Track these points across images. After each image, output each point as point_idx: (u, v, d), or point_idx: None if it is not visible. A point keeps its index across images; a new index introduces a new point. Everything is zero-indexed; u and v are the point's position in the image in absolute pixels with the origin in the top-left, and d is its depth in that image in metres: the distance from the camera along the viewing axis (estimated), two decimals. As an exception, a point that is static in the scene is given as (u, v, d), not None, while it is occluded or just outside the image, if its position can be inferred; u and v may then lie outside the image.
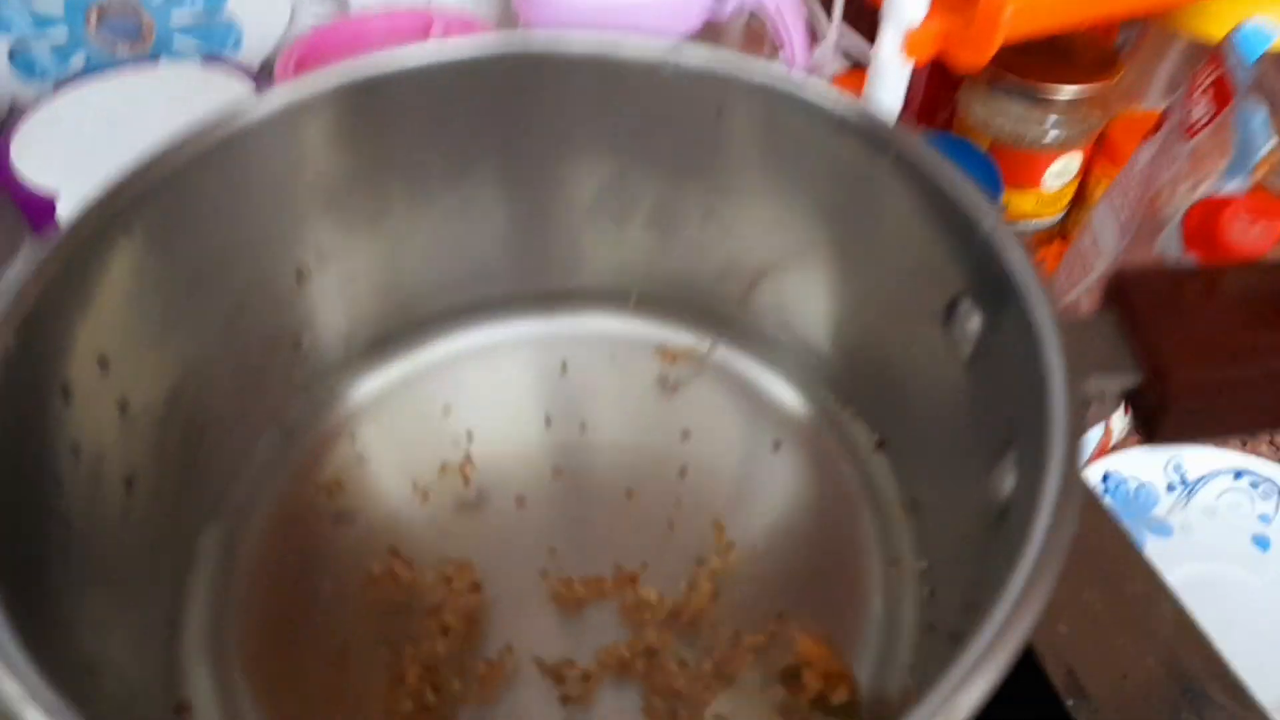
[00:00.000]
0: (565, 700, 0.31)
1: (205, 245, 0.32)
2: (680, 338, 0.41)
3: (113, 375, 0.29)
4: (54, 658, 0.21)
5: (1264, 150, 0.46)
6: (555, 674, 0.31)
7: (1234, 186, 0.46)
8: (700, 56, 0.33)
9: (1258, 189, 0.46)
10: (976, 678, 0.20)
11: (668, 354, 0.40)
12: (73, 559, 0.26)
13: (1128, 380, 0.25)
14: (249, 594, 0.34)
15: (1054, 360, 0.24)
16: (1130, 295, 0.26)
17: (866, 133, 0.31)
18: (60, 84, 0.60)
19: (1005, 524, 0.26)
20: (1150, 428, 0.26)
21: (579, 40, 0.34)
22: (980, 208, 0.28)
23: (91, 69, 0.60)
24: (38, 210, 0.51)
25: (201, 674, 0.32)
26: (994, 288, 0.27)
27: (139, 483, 0.31)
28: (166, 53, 0.61)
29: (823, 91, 0.31)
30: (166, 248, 0.31)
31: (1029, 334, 0.25)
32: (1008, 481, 0.26)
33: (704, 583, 0.33)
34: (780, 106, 0.32)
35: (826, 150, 0.32)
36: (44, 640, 0.21)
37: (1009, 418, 0.27)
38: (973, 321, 0.29)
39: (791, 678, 0.32)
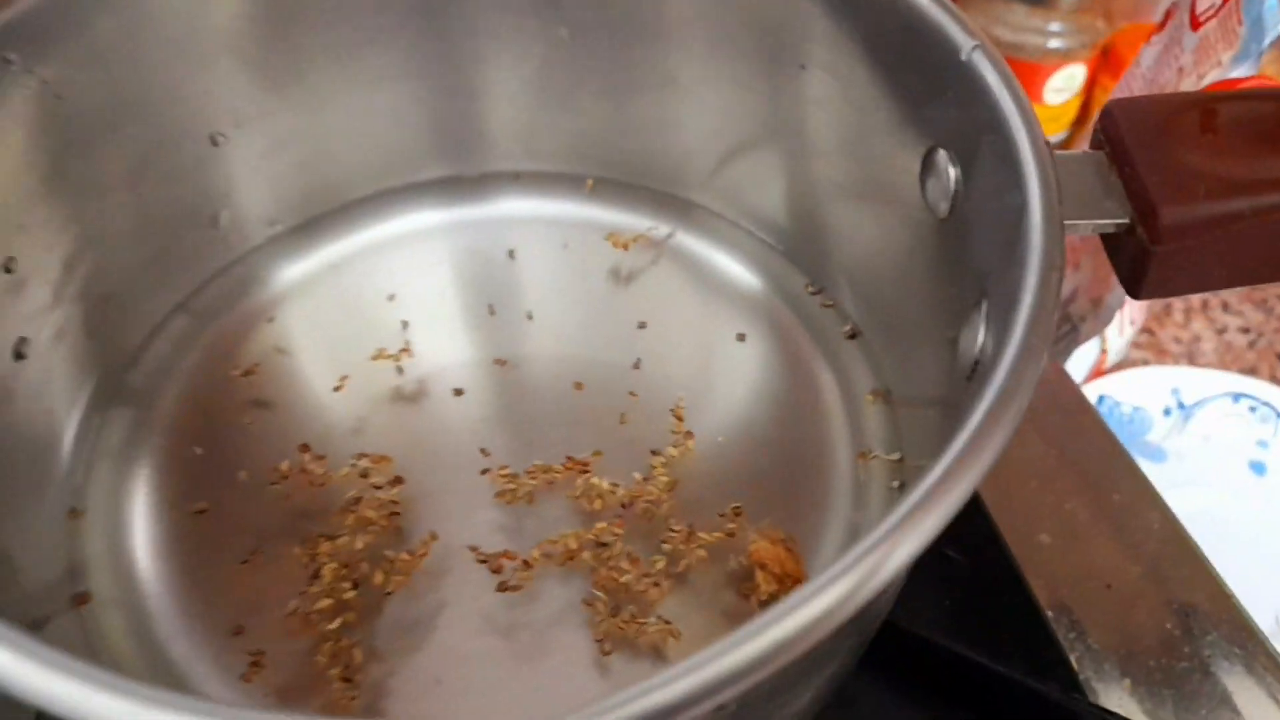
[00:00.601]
0: (502, 588, 0.28)
1: (101, 92, 0.29)
2: (638, 223, 0.37)
3: (-2, 230, 0.26)
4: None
5: (1275, 33, 0.43)
6: (492, 563, 0.28)
7: (1241, 71, 0.43)
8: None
9: (1263, 75, 0.43)
10: (908, 529, 0.17)
11: (620, 240, 0.36)
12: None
13: (1113, 220, 0.22)
14: (157, 483, 0.31)
15: (1034, 187, 0.21)
16: (1119, 128, 0.23)
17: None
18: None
19: (972, 382, 0.23)
20: (1136, 277, 0.23)
21: None
22: (958, 30, 0.24)
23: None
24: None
25: (104, 567, 0.29)
26: (973, 124, 0.24)
27: (31, 353, 0.28)
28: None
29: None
30: (55, 90, 0.27)
31: (1009, 166, 0.22)
32: (977, 339, 0.23)
33: (660, 473, 0.30)
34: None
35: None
36: None
37: (984, 272, 0.24)
38: (950, 174, 0.26)
39: (745, 580, 0.29)
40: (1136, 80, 0.53)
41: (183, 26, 0.30)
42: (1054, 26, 0.64)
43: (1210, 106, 0.23)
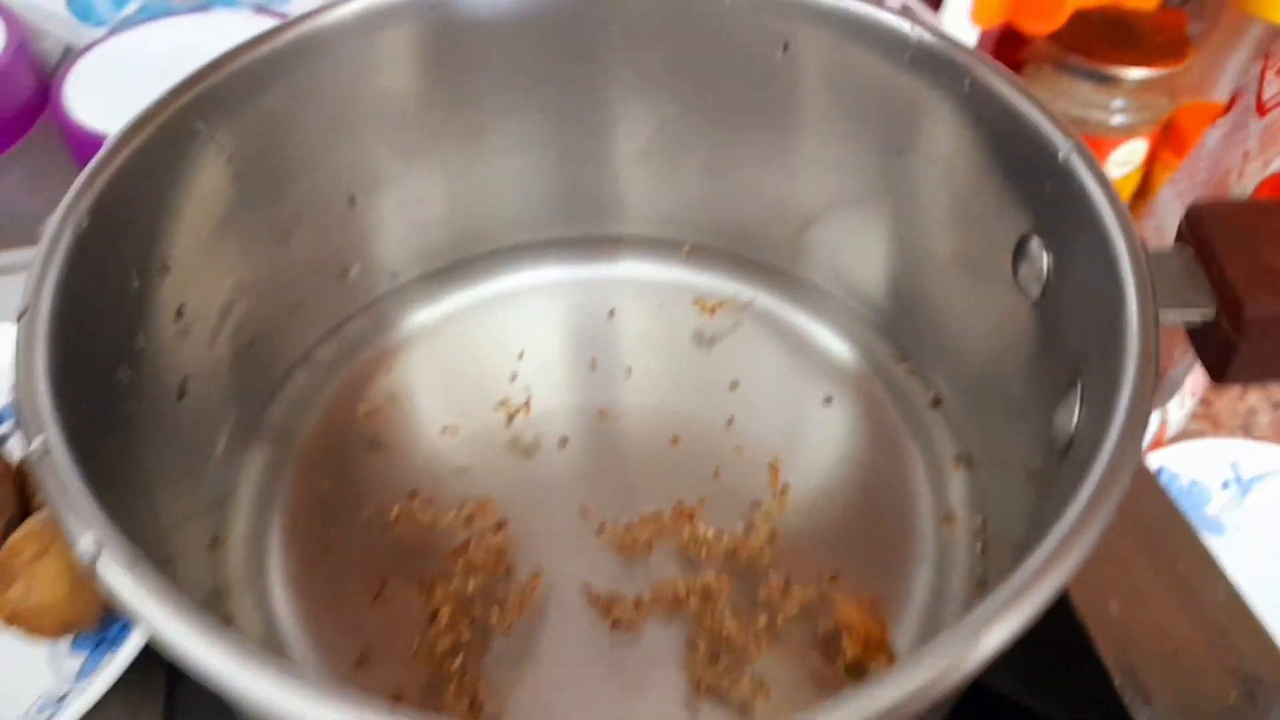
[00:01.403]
0: (615, 625, 0.30)
1: (265, 153, 0.32)
2: (730, 288, 0.40)
3: (174, 278, 0.29)
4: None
5: (1343, 125, 0.44)
6: (604, 602, 0.31)
7: (1310, 161, 0.45)
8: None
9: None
10: (1006, 615, 0.19)
11: (707, 305, 0.39)
12: (132, 464, 0.26)
13: (1200, 313, 0.24)
14: (290, 517, 0.33)
15: (1131, 285, 0.23)
16: (1205, 228, 0.25)
17: (942, 59, 0.30)
18: (115, 28, 0.60)
19: (1065, 464, 0.25)
20: (1220, 365, 0.24)
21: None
22: (1057, 133, 0.26)
23: (146, 15, 0.61)
24: (85, 147, 0.52)
25: (243, 592, 0.31)
26: (1068, 219, 0.26)
27: (190, 392, 0.31)
28: (221, 1, 0.61)
29: (896, 18, 0.30)
30: (229, 150, 0.30)
31: (1105, 262, 0.24)
32: (1074, 416, 0.25)
33: (761, 524, 0.32)
34: (851, 35, 0.31)
35: (896, 82, 0.31)
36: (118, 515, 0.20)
37: (1077, 353, 0.26)
38: (1043, 260, 0.28)
39: (831, 642, 0.30)
40: (1201, 161, 0.55)
41: (340, 98, 0.33)
42: (1117, 103, 0.65)
43: (1291, 211, 0.25)
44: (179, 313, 0.29)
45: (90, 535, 0.19)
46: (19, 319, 0.23)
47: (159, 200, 0.28)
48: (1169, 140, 0.69)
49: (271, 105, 0.31)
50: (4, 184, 0.54)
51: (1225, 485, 0.57)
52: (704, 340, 0.39)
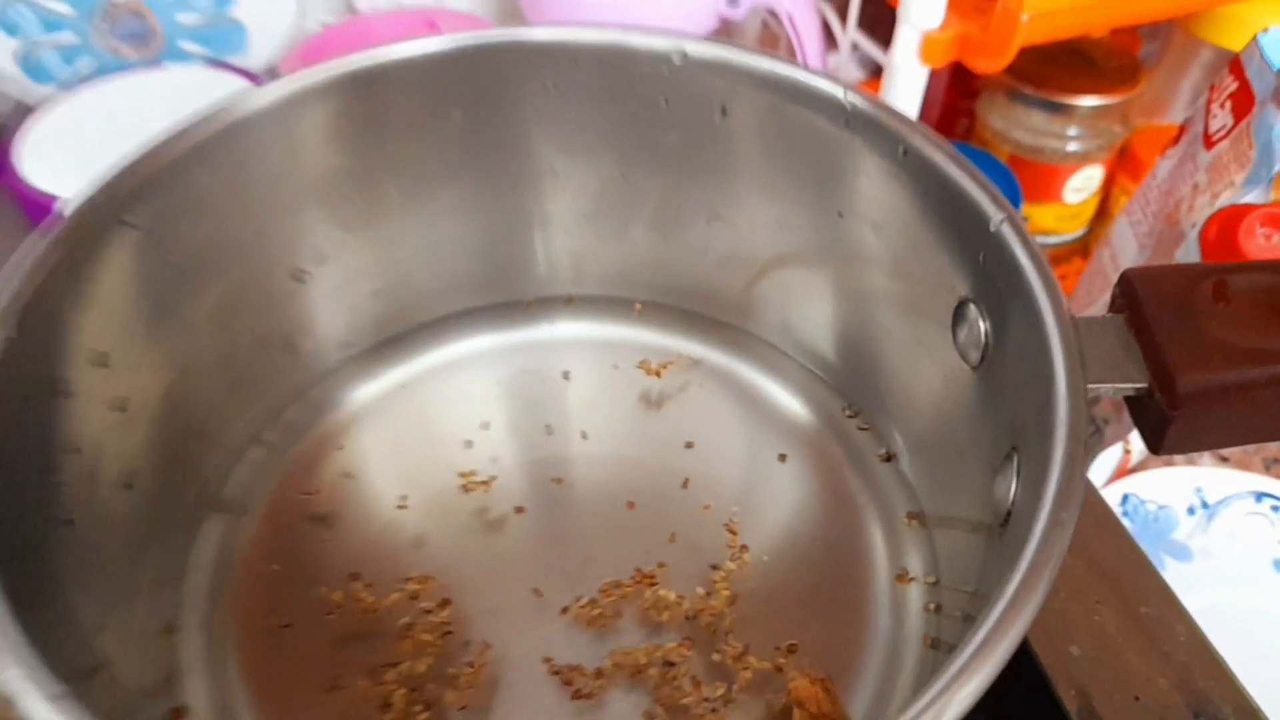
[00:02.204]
0: (576, 696, 0.30)
1: (200, 240, 0.32)
2: (682, 346, 0.40)
3: (111, 373, 0.28)
4: (55, 654, 0.20)
5: (1287, 159, 0.45)
6: (565, 675, 0.30)
7: (1253, 197, 0.45)
8: (708, 48, 0.32)
9: (1277, 200, 0.45)
10: (961, 687, 0.19)
11: (652, 368, 0.39)
12: (72, 558, 0.26)
13: (1133, 385, 0.24)
14: (243, 601, 0.33)
15: (1059, 361, 0.23)
16: (1136, 296, 0.25)
17: (875, 127, 0.30)
18: (67, 87, 0.60)
19: (1006, 533, 0.25)
20: (1156, 436, 0.24)
21: (584, 32, 0.33)
22: (990, 202, 0.27)
23: (99, 71, 0.60)
24: (41, 212, 0.51)
25: (198, 680, 0.31)
26: (1002, 288, 0.26)
27: (137, 483, 0.30)
28: (173, 56, 0.61)
29: (831, 84, 0.30)
30: (162, 241, 0.30)
31: (1036, 334, 0.24)
32: (1011, 488, 0.25)
33: (721, 587, 0.32)
34: (787, 100, 0.32)
35: (834, 147, 0.31)
36: (46, 636, 0.20)
37: (1014, 424, 0.26)
38: (980, 326, 0.28)
39: (784, 717, 0.30)
40: (1153, 192, 0.56)
41: (272, 179, 0.33)
42: (1072, 131, 0.66)
43: (1222, 278, 0.25)
44: (122, 406, 0.29)
45: (14, 671, 0.19)
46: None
47: (91, 296, 0.28)
48: (1125, 164, 0.70)
49: (203, 192, 0.30)
50: (-43, 245, 0.53)
51: (1191, 511, 0.57)
52: (656, 401, 0.39)
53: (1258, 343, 0.24)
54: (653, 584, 0.32)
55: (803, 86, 0.31)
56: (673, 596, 0.32)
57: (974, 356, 0.29)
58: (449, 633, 0.31)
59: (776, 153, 0.34)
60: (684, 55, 0.33)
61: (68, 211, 0.27)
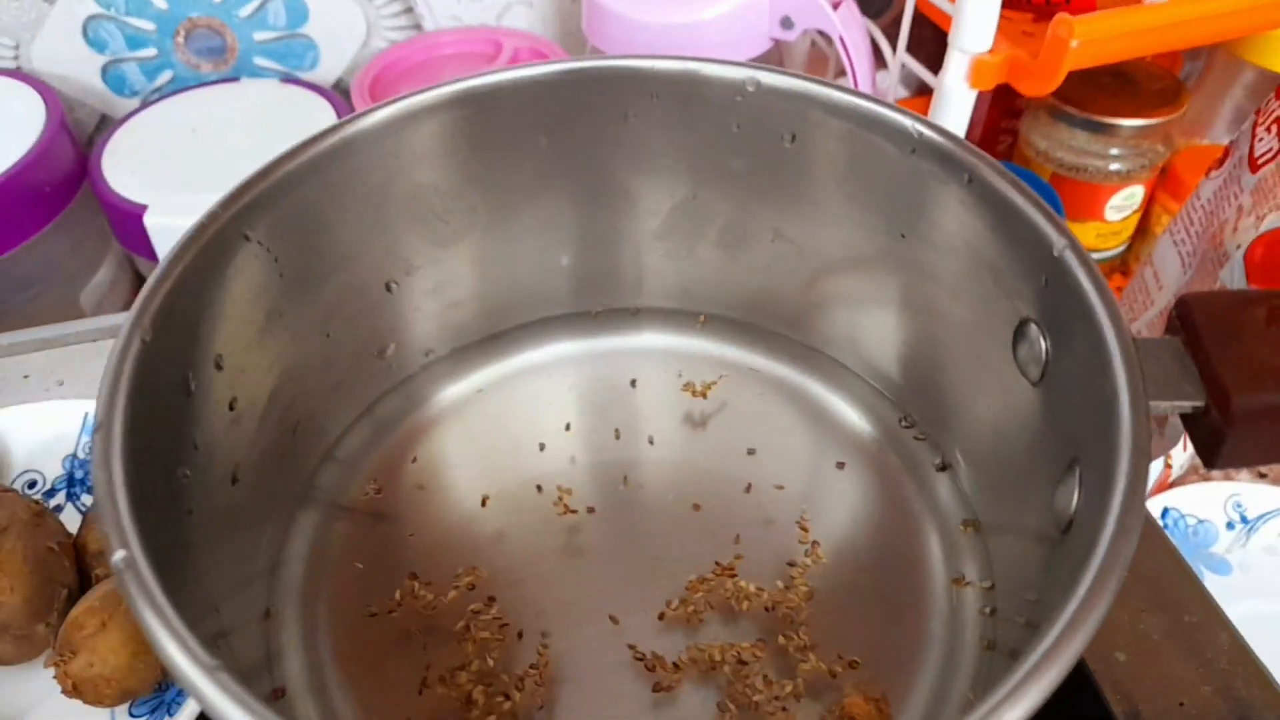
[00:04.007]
0: (656, 688, 0.32)
1: (308, 251, 0.34)
2: (744, 357, 0.42)
3: (225, 375, 0.31)
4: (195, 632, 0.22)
5: (1331, 185, 0.46)
6: (649, 663, 0.32)
7: (1300, 220, 0.46)
8: (780, 79, 0.34)
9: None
10: (1026, 691, 0.20)
11: (708, 382, 0.41)
12: (192, 549, 0.28)
13: (1190, 403, 0.26)
14: (333, 592, 0.35)
15: (1123, 380, 0.25)
16: (1193, 320, 0.27)
17: (942, 155, 0.32)
18: (148, 99, 0.63)
19: (1067, 541, 0.26)
20: (1210, 451, 0.26)
21: (663, 62, 0.35)
22: (1052, 230, 0.28)
23: (177, 85, 0.63)
24: (124, 218, 0.54)
25: (295, 663, 0.33)
26: (1064, 310, 0.28)
27: (242, 478, 0.32)
28: (248, 71, 0.64)
29: (900, 115, 0.32)
30: (275, 252, 0.32)
31: (1099, 355, 0.26)
32: (1072, 499, 0.27)
33: (800, 582, 0.34)
34: (856, 128, 0.33)
35: (899, 173, 0.33)
36: (187, 617, 0.22)
37: (1075, 437, 0.28)
38: (1041, 344, 0.30)
39: None
40: (1197, 212, 0.57)
41: (376, 196, 0.35)
42: (1114, 151, 0.67)
43: (1275, 303, 0.27)
44: (231, 405, 0.31)
45: (174, 645, 0.21)
46: (94, 433, 0.24)
47: (212, 304, 0.30)
48: (1166, 184, 0.71)
49: (313, 208, 0.33)
50: (49, 248, 0.56)
51: (1230, 526, 0.58)
52: (718, 408, 0.41)
53: (1306, 366, 0.25)
54: (733, 575, 0.34)
55: (872, 116, 0.33)
56: (752, 588, 0.34)
57: (1034, 372, 0.30)
58: (505, 626, 0.33)
59: (843, 177, 0.36)
60: (758, 84, 0.35)
61: (197, 221, 0.29)
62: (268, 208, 0.31)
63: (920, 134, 0.32)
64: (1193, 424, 0.26)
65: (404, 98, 0.33)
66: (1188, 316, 0.27)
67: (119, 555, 0.22)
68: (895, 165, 0.33)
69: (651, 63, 0.35)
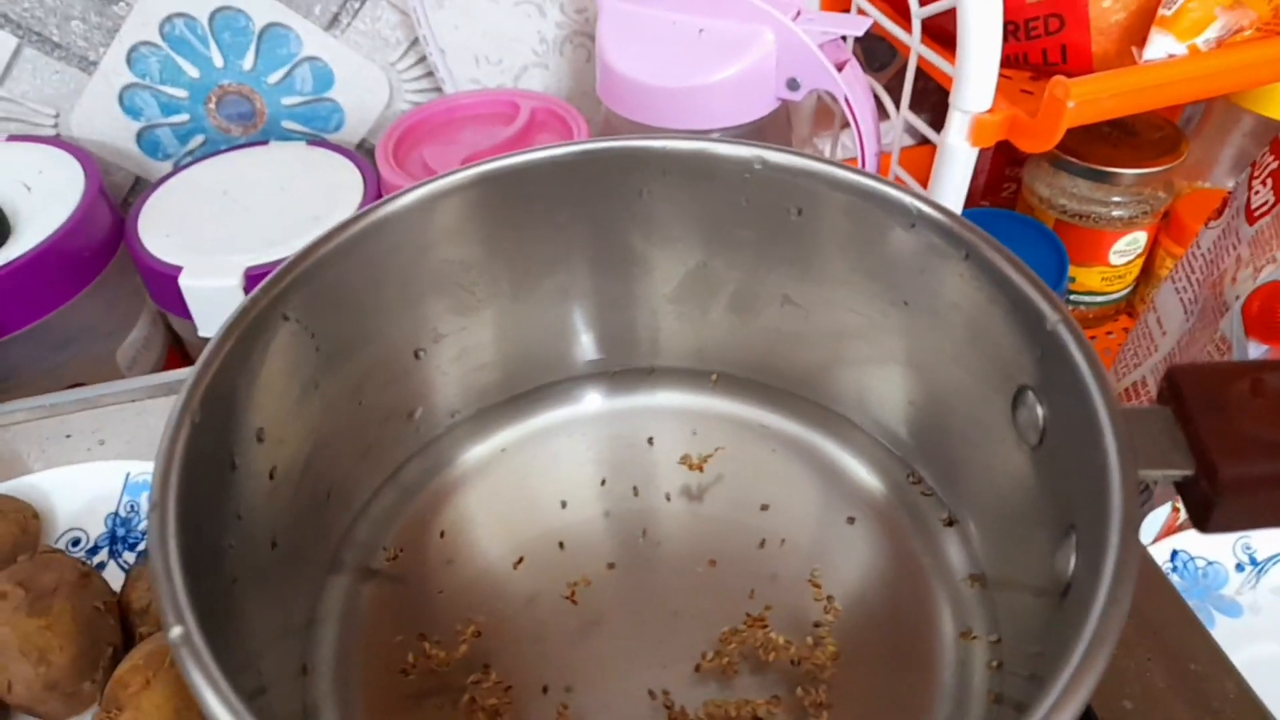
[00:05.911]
0: None
1: (340, 327, 0.36)
2: (756, 415, 0.44)
3: (265, 446, 0.32)
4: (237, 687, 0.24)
5: (1325, 239, 0.47)
6: (673, 714, 0.33)
7: (1295, 274, 0.48)
8: (785, 157, 0.36)
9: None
10: None
11: (692, 463, 0.42)
12: (235, 614, 0.30)
13: (1180, 473, 0.27)
14: (365, 650, 0.36)
15: (1113, 453, 0.26)
16: (1180, 391, 0.28)
17: (941, 231, 0.33)
18: (180, 162, 0.65)
19: (1068, 600, 0.28)
20: (1202, 518, 0.27)
21: (676, 142, 0.37)
22: (1045, 305, 0.30)
23: (209, 149, 0.66)
24: (160, 280, 0.56)
25: (331, 717, 0.34)
26: (1058, 381, 0.30)
27: (280, 542, 0.34)
28: (276, 134, 0.66)
29: (899, 193, 0.34)
30: (312, 328, 0.34)
31: (1090, 427, 0.27)
32: (1070, 561, 0.28)
33: (829, 642, 0.35)
34: (858, 202, 0.35)
35: (901, 246, 0.35)
36: (232, 676, 0.24)
37: (1071, 502, 0.29)
38: (1038, 411, 0.32)
39: None
40: (1198, 260, 0.58)
41: (405, 271, 0.37)
42: (1116, 198, 0.69)
43: (1259, 375, 0.28)
44: (271, 475, 0.33)
45: (226, 712, 0.23)
46: (149, 514, 0.26)
47: (255, 382, 0.32)
48: (1169, 228, 0.73)
49: (347, 286, 0.35)
50: (86, 309, 0.58)
51: (1240, 568, 0.59)
52: (732, 464, 0.42)
53: (1289, 438, 0.27)
54: (764, 627, 0.35)
55: (873, 192, 0.35)
56: (781, 640, 0.35)
57: (1032, 438, 0.32)
58: (545, 685, 0.35)
59: (846, 248, 0.38)
60: (764, 162, 0.37)
61: (240, 304, 0.31)
62: (305, 288, 0.33)
63: (919, 211, 0.34)
64: (1185, 491, 0.28)
65: (433, 180, 0.35)
66: (1175, 388, 0.28)
67: (176, 632, 0.24)
68: (897, 238, 0.35)
69: (664, 143, 0.37)
